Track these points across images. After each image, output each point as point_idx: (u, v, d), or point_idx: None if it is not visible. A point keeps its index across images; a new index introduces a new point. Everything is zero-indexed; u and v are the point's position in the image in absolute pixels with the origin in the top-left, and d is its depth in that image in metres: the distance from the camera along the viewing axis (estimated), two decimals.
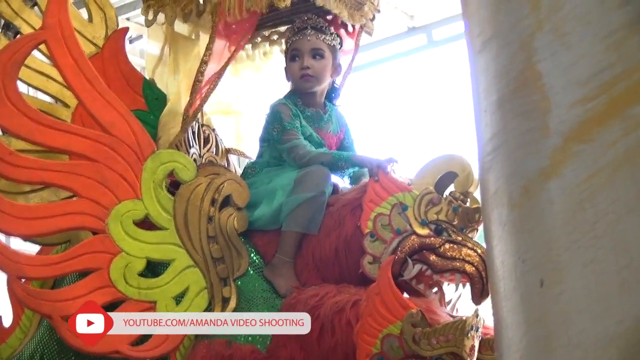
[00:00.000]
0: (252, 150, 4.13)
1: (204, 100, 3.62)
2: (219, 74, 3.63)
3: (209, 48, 3.57)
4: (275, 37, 4.29)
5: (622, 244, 1.37)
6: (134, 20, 7.67)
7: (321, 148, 3.68)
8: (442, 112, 9.11)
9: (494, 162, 1.61)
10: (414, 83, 9.74)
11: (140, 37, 7.38)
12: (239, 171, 3.98)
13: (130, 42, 7.71)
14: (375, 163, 3.39)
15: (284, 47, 4.13)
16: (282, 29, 4.20)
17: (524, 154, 1.52)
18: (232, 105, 4.32)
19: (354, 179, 3.66)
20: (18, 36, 3.81)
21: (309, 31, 3.72)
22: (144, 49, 4.26)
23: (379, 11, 4.05)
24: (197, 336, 3.33)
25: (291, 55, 3.75)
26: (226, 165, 4.10)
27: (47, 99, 3.90)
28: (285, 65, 3.83)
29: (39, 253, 3.73)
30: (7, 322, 3.99)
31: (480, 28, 1.64)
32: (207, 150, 4.00)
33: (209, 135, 4.05)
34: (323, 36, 3.74)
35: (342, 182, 3.67)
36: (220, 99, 4.23)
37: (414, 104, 9.58)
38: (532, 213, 1.50)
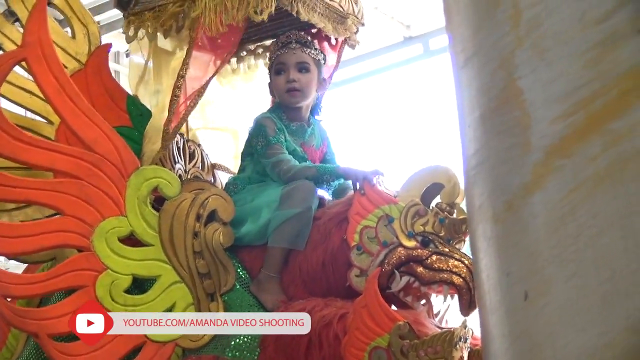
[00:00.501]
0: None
1: (185, 116, 3.65)
2: (200, 91, 3.65)
3: (185, 63, 3.60)
4: (260, 50, 4.34)
5: (603, 257, 1.41)
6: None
7: (305, 162, 3.71)
8: (438, 121, 9.14)
9: (478, 177, 1.65)
10: (410, 93, 9.78)
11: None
12: None
13: (127, 55, 7.78)
14: (361, 175, 3.42)
15: (267, 61, 4.17)
16: (267, 42, 4.25)
17: (507, 169, 1.56)
18: (213, 121, 4.33)
19: (338, 192, 3.69)
20: (0, 52, 3.82)
21: (294, 45, 3.75)
22: (131, 59, 4.26)
23: (362, 24, 4.09)
24: (184, 352, 3.34)
25: (276, 69, 3.78)
26: (212, 180, 4.13)
27: (30, 115, 3.91)
28: (269, 79, 3.86)
29: (25, 271, 3.75)
30: None
31: (463, 45, 1.68)
32: (193, 166, 4.01)
33: (194, 150, 4.07)
34: (308, 50, 3.78)
35: (327, 195, 3.70)
36: (207, 114, 4.25)
37: (410, 114, 9.62)
38: (515, 227, 1.54)
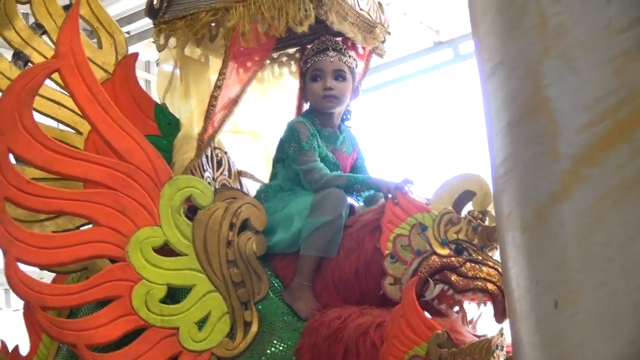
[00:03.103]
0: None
1: (220, 126, 3.68)
2: (236, 101, 3.69)
3: (222, 73, 3.63)
4: (284, 58, 4.35)
5: (632, 265, 1.42)
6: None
7: (336, 169, 3.73)
8: (469, 126, 9.11)
9: (506, 185, 1.65)
10: (440, 98, 9.76)
11: None
12: (252, 193, 4.01)
13: (158, 64, 7.82)
14: (392, 186, 3.43)
15: (292, 69, 4.21)
16: (291, 50, 4.28)
17: (535, 178, 1.56)
18: (237, 125, 4.34)
19: (368, 201, 3.71)
20: (28, 65, 3.85)
21: (331, 52, 3.77)
22: (160, 67, 4.27)
23: (389, 33, 4.12)
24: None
25: (312, 75, 3.79)
26: (239, 187, 4.15)
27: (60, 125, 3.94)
28: (303, 84, 3.88)
29: (53, 281, 3.78)
30: (24, 351, 4.05)
31: (490, 53, 1.69)
32: (221, 174, 4.03)
33: (221, 158, 4.09)
34: (344, 58, 3.80)
35: (356, 203, 3.71)
36: (233, 118, 4.27)
37: (441, 119, 9.60)
38: (544, 236, 1.54)
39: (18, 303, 7.68)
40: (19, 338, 4.16)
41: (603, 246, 1.45)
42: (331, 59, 3.76)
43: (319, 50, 3.79)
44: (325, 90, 3.74)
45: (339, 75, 3.77)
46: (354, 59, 3.87)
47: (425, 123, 9.90)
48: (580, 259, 1.48)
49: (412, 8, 8.61)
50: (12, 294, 7.89)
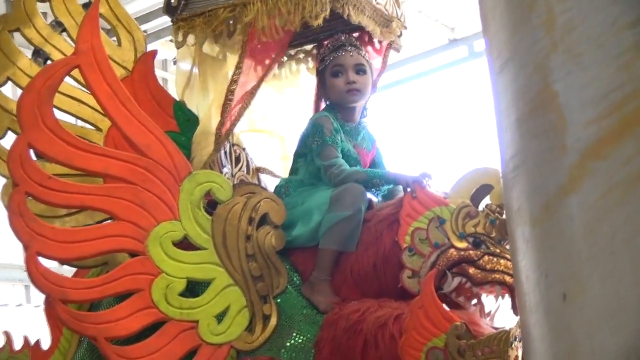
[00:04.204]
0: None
1: (237, 119, 3.71)
2: (252, 93, 3.72)
3: (238, 67, 3.66)
4: (301, 55, 4.37)
5: (638, 257, 1.44)
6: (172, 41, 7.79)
7: (357, 164, 3.76)
8: (484, 122, 9.12)
9: (516, 180, 1.68)
10: (456, 94, 9.74)
11: None
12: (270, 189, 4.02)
13: (175, 63, 7.83)
14: (411, 180, 3.45)
15: (309, 65, 4.24)
16: (308, 47, 4.31)
17: (543, 172, 1.59)
18: (256, 124, 4.38)
19: (387, 196, 3.73)
20: (48, 62, 3.89)
21: (349, 47, 3.81)
22: (182, 66, 4.28)
23: (405, 27, 4.13)
24: (238, 354, 3.41)
25: (333, 71, 3.81)
26: (258, 183, 4.17)
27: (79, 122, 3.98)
28: (323, 81, 3.90)
29: (74, 276, 3.82)
30: (46, 345, 4.09)
31: (499, 50, 1.72)
32: (239, 170, 4.05)
33: (240, 154, 4.12)
34: (362, 52, 3.85)
35: (374, 197, 3.74)
36: (251, 117, 4.30)
37: (456, 115, 9.59)
38: (552, 229, 1.57)
39: (38, 299, 7.76)
40: (39, 333, 4.20)
41: (610, 239, 1.47)
42: (350, 54, 3.80)
43: (336, 47, 3.83)
44: (349, 84, 3.77)
45: (360, 69, 3.80)
46: (367, 55, 3.91)
47: (441, 120, 9.90)
48: (588, 251, 1.50)
49: (427, 6, 8.62)
50: (32, 290, 8.01)
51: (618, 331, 1.46)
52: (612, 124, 1.48)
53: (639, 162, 1.46)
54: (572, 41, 1.55)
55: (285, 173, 4.19)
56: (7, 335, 4.33)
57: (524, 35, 1.63)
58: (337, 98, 3.85)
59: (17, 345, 4.29)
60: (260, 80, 3.77)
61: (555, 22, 1.57)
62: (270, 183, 4.25)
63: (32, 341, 4.20)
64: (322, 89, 3.95)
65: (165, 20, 7.70)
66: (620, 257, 1.46)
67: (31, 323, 4.42)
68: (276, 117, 4.41)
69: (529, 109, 1.62)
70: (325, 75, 3.86)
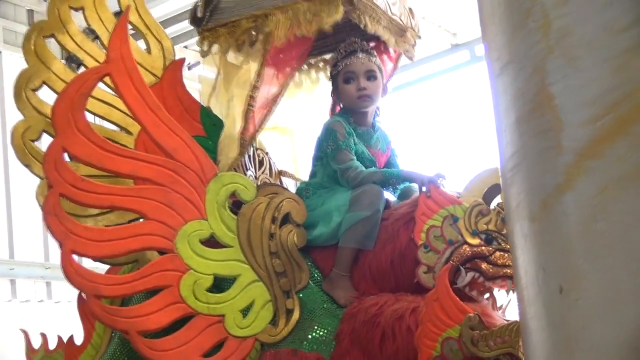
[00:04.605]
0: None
1: (261, 125, 3.71)
2: (274, 100, 3.72)
3: (259, 74, 3.66)
4: (321, 64, 4.37)
5: (633, 252, 1.43)
6: (191, 48, 7.80)
7: (372, 165, 3.75)
8: (485, 123, 9.13)
9: (515, 178, 1.67)
10: (458, 97, 9.77)
11: (197, 63, 7.43)
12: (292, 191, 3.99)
13: (189, 68, 7.84)
14: (426, 179, 3.44)
15: (328, 73, 4.19)
16: (327, 56, 4.29)
17: (541, 171, 1.57)
18: (278, 122, 4.37)
19: (403, 195, 3.71)
20: (81, 67, 3.91)
21: (360, 54, 3.78)
22: (201, 75, 4.29)
23: (419, 37, 4.12)
24: (262, 346, 3.41)
25: (345, 77, 3.79)
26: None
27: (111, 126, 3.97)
28: (336, 86, 3.89)
29: (107, 273, 3.82)
30: (79, 340, 4.11)
31: (498, 53, 1.71)
32: (262, 173, 4.05)
33: (263, 158, 4.11)
34: (373, 58, 3.81)
35: (392, 196, 3.72)
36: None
37: (459, 117, 9.61)
38: (550, 225, 1.56)
39: (59, 295, 7.81)
40: (59, 328, 4.24)
41: (605, 234, 1.46)
42: (362, 61, 3.78)
43: (348, 53, 3.80)
44: (360, 91, 3.76)
45: (371, 76, 3.78)
46: (378, 60, 3.89)
47: (444, 121, 9.90)
48: (584, 246, 1.49)
49: (431, 12, 8.61)
50: (53, 287, 7.99)
51: (614, 323, 1.44)
52: (606, 125, 1.46)
53: (632, 160, 1.44)
54: (568, 45, 1.53)
55: (296, 173, 4.18)
56: (43, 337, 4.34)
57: (522, 40, 1.62)
58: (349, 103, 3.84)
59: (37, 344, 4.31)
60: (282, 87, 3.77)
61: (551, 26, 1.55)
62: (291, 186, 4.24)
63: (52, 336, 4.23)
64: (335, 94, 3.93)
65: (182, 27, 7.79)
66: (615, 251, 1.44)
67: (52, 318, 4.43)
68: (288, 119, 4.40)
69: (527, 110, 1.60)
70: (338, 80, 3.85)
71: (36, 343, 4.37)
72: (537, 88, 1.57)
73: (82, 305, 3.99)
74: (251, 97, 3.66)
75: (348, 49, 3.81)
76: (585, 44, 1.51)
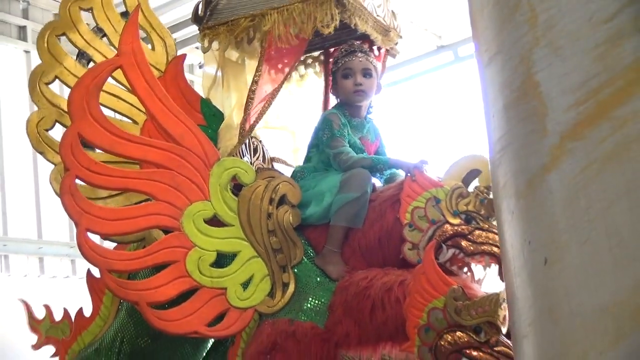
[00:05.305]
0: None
1: (260, 116, 3.68)
2: (273, 94, 3.69)
3: (258, 70, 3.64)
4: (309, 60, 4.35)
5: (612, 226, 1.41)
6: (200, 49, 7.77)
7: (362, 153, 3.73)
8: (467, 117, 9.19)
9: (502, 159, 1.65)
10: (442, 94, 9.83)
11: None
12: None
13: (200, 67, 7.82)
14: (412, 165, 3.43)
15: (317, 69, 4.25)
16: (315, 54, 4.29)
17: (527, 152, 1.56)
18: (269, 122, 4.32)
19: (388, 181, 3.70)
20: (90, 63, 3.88)
21: (359, 54, 3.79)
22: (207, 71, 4.27)
23: (401, 37, 4.12)
24: (261, 316, 3.39)
25: (344, 73, 3.79)
26: None
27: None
28: (334, 81, 3.87)
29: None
30: (87, 313, 4.10)
31: (487, 45, 1.69)
32: (256, 159, 4.02)
33: (257, 146, 4.07)
34: (370, 58, 3.82)
35: (379, 182, 3.71)
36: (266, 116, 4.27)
37: (443, 112, 9.68)
38: (535, 202, 1.54)
39: (83, 272, 7.79)
40: (84, 301, 4.20)
41: (587, 210, 1.44)
42: (360, 59, 3.78)
43: (348, 52, 3.81)
44: (356, 86, 3.76)
45: (367, 73, 3.78)
46: (376, 61, 3.89)
47: (430, 116, 9.96)
48: (567, 221, 1.47)
49: (418, 17, 8.62)
50: (77, 264, 8.03)
51: (594, 292, 1.43)
52: (588, 109, 1.45)
53: (612, 142, 1.42)
54: (553, 36, 1.51)
55: (296, 163, 4.16)
56: (47, 308, 4.33)
57: (510, 32, 1.60)
58: (345, 97, 3.83)
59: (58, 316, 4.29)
60: (280, 82, 3.75)
61: (538, 19, 1.54)
62: (283, 171, 4.21)
63: (76, 309, 4.20)
64: (334, 88, 3.92)
65: (191, 31, 7.68)
66: (596, 225, 1.43)
67: (77, 293, 4.44)
68: (288, 115, 4.37)
69: (515, 97, 1.58)
70: (337, 76, 3.84)
71: (40, 315, 4.35)
72: (524, 76, 1.56)
73: (91, 281, 3.99)
74: (251, 91, 3.64)
75: (349, 49, 3.82)
76: (569, 35, 1.49)
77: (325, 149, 3.71)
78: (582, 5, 1.48)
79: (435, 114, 9.95)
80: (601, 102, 1.44)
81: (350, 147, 3.69)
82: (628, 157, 1.40)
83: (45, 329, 4.27)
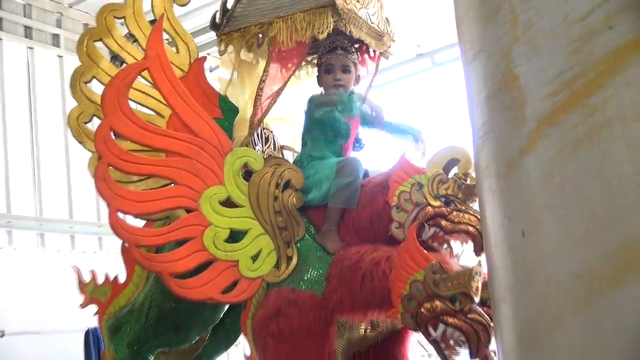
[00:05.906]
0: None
1: (267, 111, 3.62)
2: (278, 92, 3.64)
3: (265, 70, 3.58)
4: (315, 61, 4.24)
5: (584, 202, 1.37)
6: (213, 55, 7.69)
7: (346, 128, 3.66)
8: (444, 116, 9.22)
9: (485, 143, 1.59)
10: (420, 97, 9.87)
11: (218, 67, 7.39)
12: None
13: (211, 71, 7.76)
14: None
15: (309, 70, 4.17)
16: (309, 58, 4.18)
17: (508, 137, 1.51)
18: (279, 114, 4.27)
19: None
20: (123, 65, 3.83)
21: (339, 51, 3.71)
22: (220, 76, 4.24)
23: (394, 41, 4.05)
24: (268, 285, 3.35)
25: (326, 69, 3.73)
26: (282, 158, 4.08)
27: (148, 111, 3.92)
28: (318, 75, 3.82)
29: (144, 227, 3.75)
30: (122, 279, 4.08)
31: (471, 43, 1.63)
32: (268, 147, 3.96)
33: (268, 136, 4.01)
34: (350, 55, 3.74)
35: (370, 168, 3.65)
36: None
37: (423, 112, 9.73)
38: (514, 181, 1.50)
39: (109, 248, 7.86)
40: (110, 274, 4.23)
41: (561, 188, 1.40)
42: (340, 56, 3.71)
43: (331, 49, 3.73)
44: (335, 81, 3.70)
45: (346, 69, 3.71)
46: (357, 56, 3.82)
47: (411, 116, 10.01)
48: (543, 198, 1.43)
49: (399, 27, 8.60)
50: (104, 241, 8.10)
51: (567, 260, 1.39)
52: (563, 99, 1.40)
53: (584, 127, 1.38)
54: (531, 34, 1.46)
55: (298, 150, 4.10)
56: (92, 273, 4.31)
57: (492, 31, 1.54)
58: (326, 90, 3.77)
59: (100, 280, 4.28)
60: (285, 81, 3.69)
61: (518, 20, 1.48)
62: (291, 158, 4.16)
63: (102, 276, 4.22)
64: (319, 80, 3.86)
65: (206, 38, 7.65)
66: (569, 202, 1.38)
67: (103, 266, 4.46)
68: (284, 106, 4.31)
69: (496, 88, 1.53)
70: (321, 71, 3.79)
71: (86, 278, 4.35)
72: (505, 70, 1.51)
73: (125, 252, 3.95)
74: (259, 89, 3.58)
75: (331, 45, 3.74)
76: (546, 33, 1.45)
77: (312, 115, 3.64)
78: (558, 7, 1.43)
79: (415, 113, 9.95)
80: (574, 92, 1.39)
81: (337, 124, 3.61)
82: (598, 140, 1.36)
83: (90, 290, 4.24)
